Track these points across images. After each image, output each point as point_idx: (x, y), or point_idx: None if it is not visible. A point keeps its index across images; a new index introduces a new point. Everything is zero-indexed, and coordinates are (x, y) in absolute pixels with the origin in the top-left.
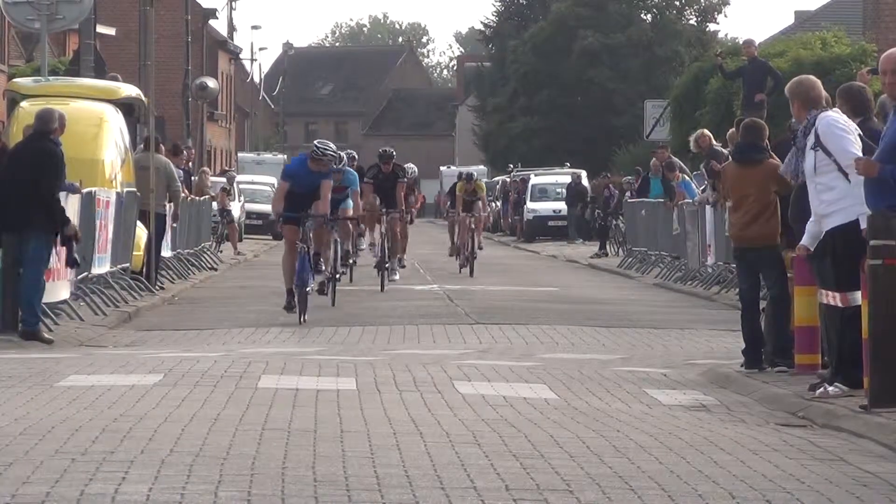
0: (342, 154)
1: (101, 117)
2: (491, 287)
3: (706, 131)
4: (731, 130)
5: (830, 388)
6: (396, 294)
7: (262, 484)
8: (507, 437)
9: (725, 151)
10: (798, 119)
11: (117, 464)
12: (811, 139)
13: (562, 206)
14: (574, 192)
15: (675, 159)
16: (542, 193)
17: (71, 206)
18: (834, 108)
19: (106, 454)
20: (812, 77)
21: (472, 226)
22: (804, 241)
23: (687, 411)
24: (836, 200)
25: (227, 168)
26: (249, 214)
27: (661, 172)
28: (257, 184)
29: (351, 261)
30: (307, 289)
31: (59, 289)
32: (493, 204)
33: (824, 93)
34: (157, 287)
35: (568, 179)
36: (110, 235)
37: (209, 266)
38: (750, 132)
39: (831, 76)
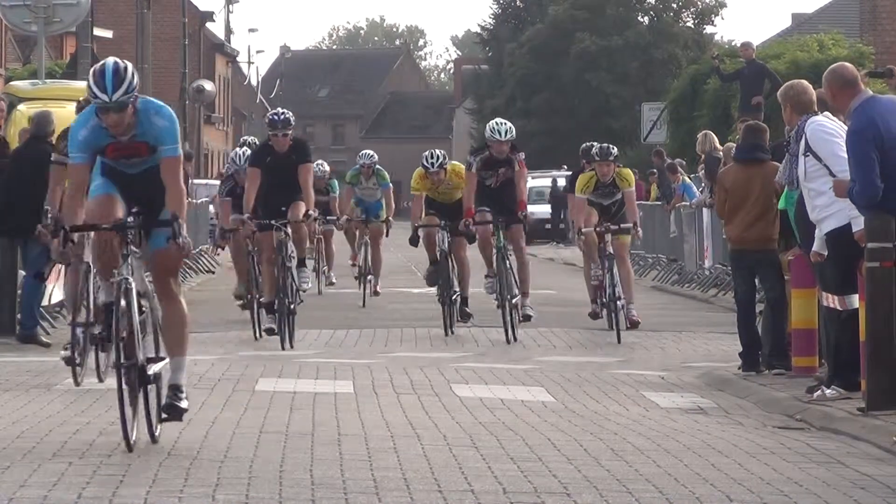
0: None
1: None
2: None
3: (711, 133)
4: (729, 144)
5: (828, 391)
6: (393, 297)
7: (259, 487)
8: (504, 440)
9: (721, 156)
10: (790, 124)
11: (115, 467)
12: (802, 145)
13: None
14: (554, 196)
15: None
16: (539, 196)
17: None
18: (824, 113)
19: (103, 457)
20: (803, 82)
21: (611, 250)
22: (815, 246)
23: (684, 414)
24: (829, 205)
25: (224, 171)
26: None
27: (661, 171)
28: None
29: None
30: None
31: (56, 292)
32: None
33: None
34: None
35: (564, 182)
36: None
37: (206, 269)
38: (752, 133)
39: None
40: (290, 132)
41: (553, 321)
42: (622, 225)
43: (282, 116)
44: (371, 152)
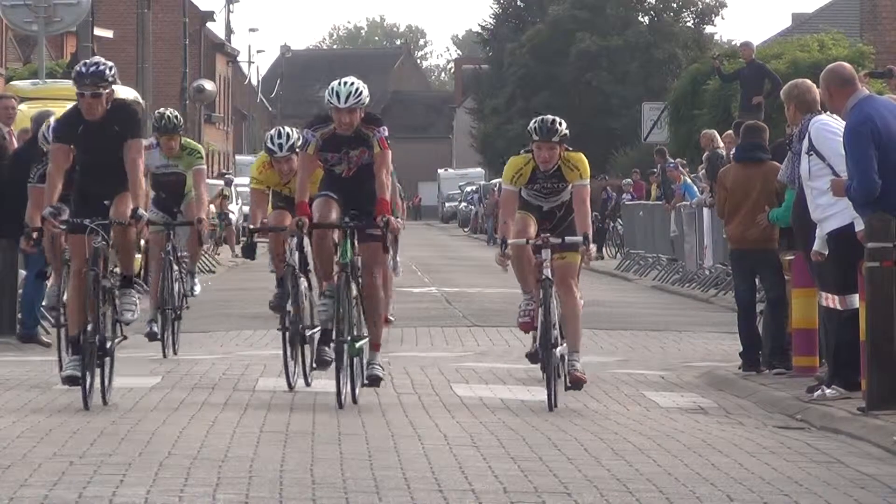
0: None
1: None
2: (488, 289)
3: (714, 132)
4: (728, 132)
5: (828, 391)
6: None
7: (260, 486)
8: (504, 440)
9: (724, 154)
10: (793, 123)
11: (115, 466)
12: (805, 143)
13: None
14: None
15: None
16: None
17: (67, 210)
18: (827, 112)
19: (104, 457)
20: (807, 81)
21: (549, 274)
22: (816, 246)
23: (685, 414)
24: (832, 204)
25: (224, 171)
26: (247, 217)
27: (663, 171)
28: None
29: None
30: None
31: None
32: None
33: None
34: None
35: None
36: None
37: (207, 269)
38: (752, 132)
39: None
40: (104, 91)
41: None
42: (567, 239)
43: (91, 68)
44: None
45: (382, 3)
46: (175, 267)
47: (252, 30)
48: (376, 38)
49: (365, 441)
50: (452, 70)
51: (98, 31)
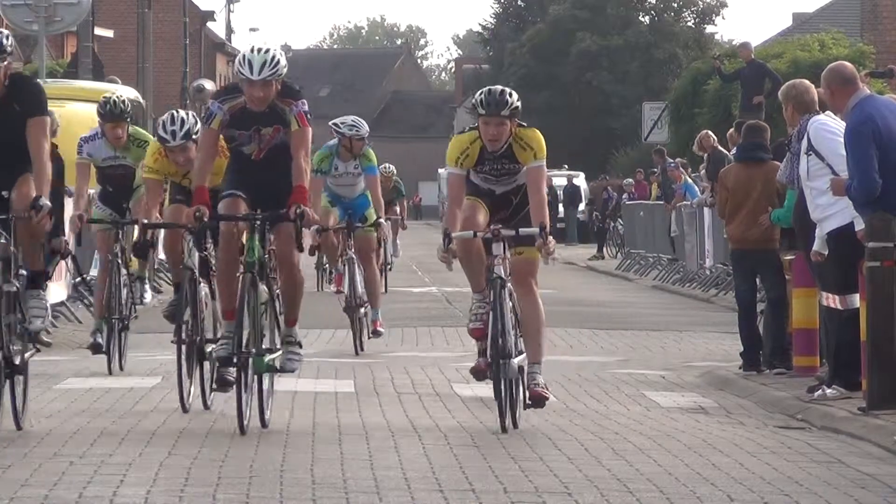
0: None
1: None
2: None
3: (710, 132)
4: (730, 131)
5: (829, 391)
6: (394, 297)
7: (260, 486)
8: (505, 440)
9: (728, 154)
10: (791, 124)
11: (115, 466)
12: (804, 144)
13: (559, 207)
14: (568, 194)
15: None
16: None
17: (66, 210)
18: (826, 112)
19: (104, 457)
20: (805, 81)
21: (501, 272)
22: (816, 246)
23: (685, 413)
24: (831, 204)
25: None
26: None
27: (662, 170)
28: None
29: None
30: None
31: (56, 291)
32: None
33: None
34: (154, 290)
35: (565, 182)
36: None
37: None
38: (754, 132)
39: None
40: (2, 64)
41: (554, 321)
42: (521, 231)
43: None
44: (357, 118)
45: (383, 3)
46: (123, 271)
47: (252, 30)
48: (377, 37)
49: (365, 441)
50: (453, 70)
51: (98, 31)
